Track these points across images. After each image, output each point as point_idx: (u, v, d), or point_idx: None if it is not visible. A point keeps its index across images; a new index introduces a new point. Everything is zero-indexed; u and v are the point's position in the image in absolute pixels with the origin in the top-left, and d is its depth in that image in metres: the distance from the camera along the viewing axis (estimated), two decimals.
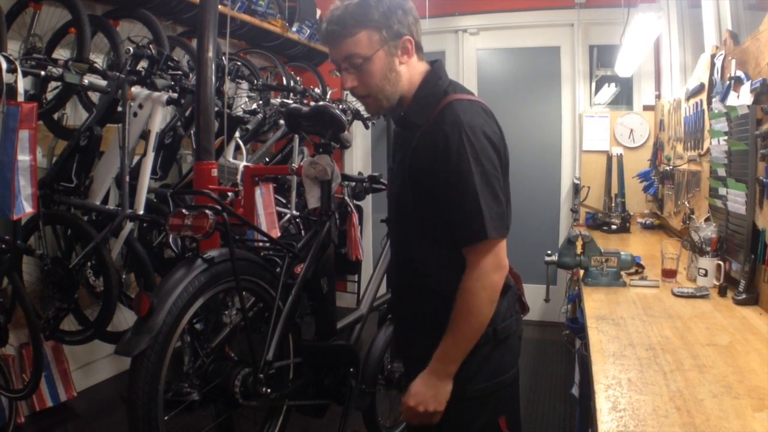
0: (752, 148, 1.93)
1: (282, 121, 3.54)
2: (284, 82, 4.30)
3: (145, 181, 2.61)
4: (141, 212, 2.60)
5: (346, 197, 3.02)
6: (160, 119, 2.63)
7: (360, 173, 2.91)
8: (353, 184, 2.80)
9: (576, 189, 4.33)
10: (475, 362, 1.39)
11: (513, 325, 1.45)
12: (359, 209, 4.11)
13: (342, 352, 2.20)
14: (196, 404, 1.74)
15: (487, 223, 1.29)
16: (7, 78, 2.12)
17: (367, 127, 4.69)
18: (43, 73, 2.25)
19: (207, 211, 1.72)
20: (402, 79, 1.39)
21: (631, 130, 4.24)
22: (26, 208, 2.18)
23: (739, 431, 1.10)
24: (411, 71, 1.40)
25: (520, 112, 4.67)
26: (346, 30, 1.34)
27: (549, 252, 2.38)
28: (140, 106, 2.58)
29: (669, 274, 2.28)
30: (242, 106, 3.52)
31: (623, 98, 4.67)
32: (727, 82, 2.18)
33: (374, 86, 1.37)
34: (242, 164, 3.03)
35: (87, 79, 2.39)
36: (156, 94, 2.57)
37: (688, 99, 2.95)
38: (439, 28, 4.70)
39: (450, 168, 1.30)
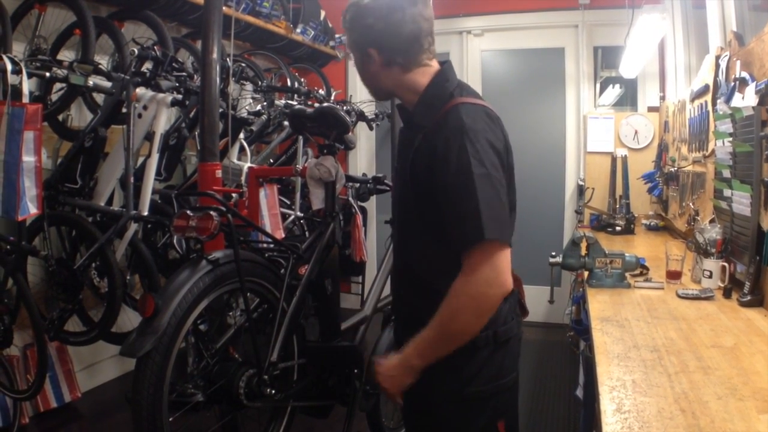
0: (757, 150, 1.92)
1: (286, 123, 3.55)
2: (288, 83, 4.30)
3: (150, 182, 2.62)
4: (145, 213, 2.60)
5: (351, 198, 3.03)
6: (164, 120, 2.63)
7: (364, 174, 2.91)
8: (357, 185, 2.80)
9: (580, 190, 4.32)
10: (476, 364, 1.38)
11: (514, 328, 1.44)
12: (363, 210, 4.10)
13: (346, 353, 2.21)
14: (200, 405, 1.74)
15: (484, 224, 1.22)
16: (12, 79, 2.13)
17: (371, 128, 4.69)
18: (47, 74, 2.25)
19: (211, 212, 1.73)
20: (385, 83, 1.43)
21: (636, 132, 4.23)
22: (31, 209, 2.19)
23: None
24: (400, 77, 1.41)
25: (524, 114, 4.66)
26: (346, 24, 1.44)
27: (553, 253, 2.38)
28: (145, 108, 2.59)
29: (673, 275, 2.27)
30: (246, 108, 3.53)
31: (628, 99, 4.67)
32: (732, 84, 2.18)
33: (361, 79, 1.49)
34: (246, 165, 3.03)
35: (92, 81, 2.40)
36: (160, 95, 2.57)
37: (692, 100, 2.95)
38: (444, 29, 4.69)
39: (449, 170, 1.27)
